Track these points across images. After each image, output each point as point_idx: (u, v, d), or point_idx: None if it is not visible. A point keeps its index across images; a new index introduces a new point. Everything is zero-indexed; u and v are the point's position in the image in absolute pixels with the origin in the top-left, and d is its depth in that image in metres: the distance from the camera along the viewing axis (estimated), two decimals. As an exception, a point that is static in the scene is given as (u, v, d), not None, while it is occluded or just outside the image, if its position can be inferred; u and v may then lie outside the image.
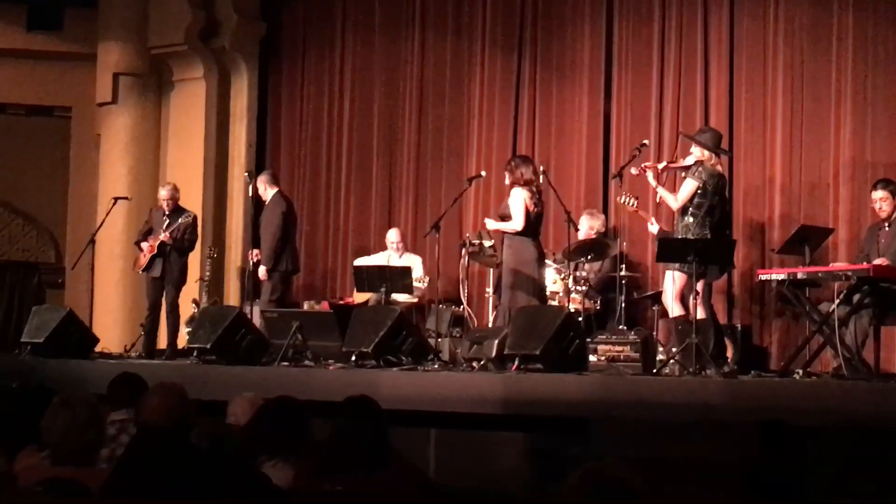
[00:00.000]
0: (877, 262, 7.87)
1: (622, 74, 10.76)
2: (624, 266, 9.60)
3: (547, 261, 9.40)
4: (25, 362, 9.33)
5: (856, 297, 7.65)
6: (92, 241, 10.77)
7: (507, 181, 9.08)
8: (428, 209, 11.56)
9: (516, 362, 7.72)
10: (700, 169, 8.20)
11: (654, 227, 8.99)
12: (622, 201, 8.95)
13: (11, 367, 9.12)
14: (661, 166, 8.61)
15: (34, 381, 8.28)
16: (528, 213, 8.81)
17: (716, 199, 8.21)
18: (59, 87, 13.32)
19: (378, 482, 4.20)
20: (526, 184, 8.89)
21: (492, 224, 9.26)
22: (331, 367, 8.43)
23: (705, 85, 10.27)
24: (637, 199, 8.91)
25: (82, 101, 13.17)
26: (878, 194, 8.31)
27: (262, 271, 10.38)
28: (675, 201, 8.25)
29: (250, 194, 10.75)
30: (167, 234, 10.25)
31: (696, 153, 8.30)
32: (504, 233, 9.00)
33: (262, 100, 12.89)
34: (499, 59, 11.44)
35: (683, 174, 8.42)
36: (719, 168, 8.37)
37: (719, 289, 9.64)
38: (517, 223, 8.83)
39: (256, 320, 9.73)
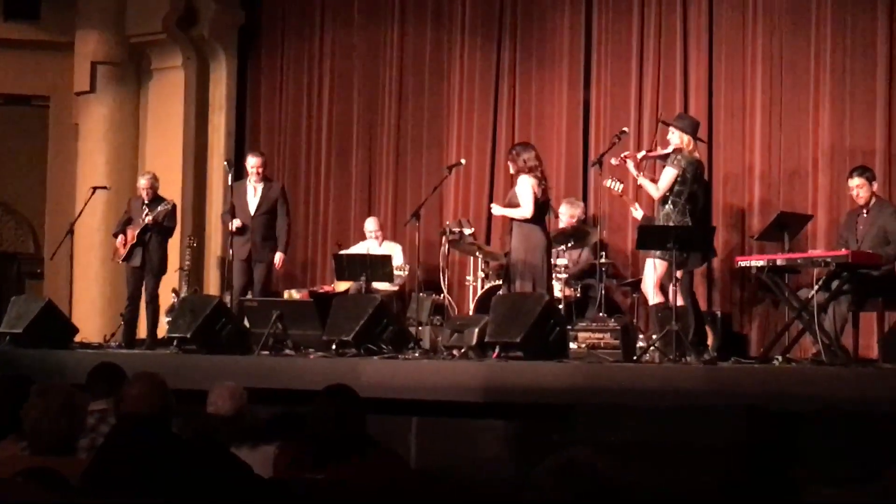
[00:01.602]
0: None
1: (601, 63, 10.77)
2: (604, 254, 9.61)
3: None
4: (4, 352, 9.28)
5: (834, 284, 7.68)
6: (71, 231, 10.72)
7: (512, 170, 8.95)
8: (408, 198, 11.56)
9: (497, 350, 7.72)
10: (679, 157, 8.21)
11: (638, 213, 8.98)
12: (608, 185, 8.92)
13: (-10, 358, 9.09)
14: (640, 156, 8.61)
15: (13, 371, 8.27)
16: (536, 199, 8.67)
17: (695, 187, 8.22)
18: (37, 76, 13.23)
19: (358, 470, 4.20)
20: (531, 170, 8.75)
21: (498, 210, 9.10)
22: (311, 356, 8.42)
23: (685, 73, 10.29)
24: (622, 183, 8.88)
25: (60, 90, 13.09)
26: (855, 181, 8.34)
27: (280, 258, 10.36)
28: (656, 190, 8.26)
29: (230, 183, 10.66)
30: (150, 217, 10.20)
31: (675, 141, 8.31)
32: (511, 220, 8.84)
33: (241, 88, 12.85)
34: (478, 48, 11.44)
35: (662, 163, 8.44)
36: (697, 155, 8.37)
37: (699, 275, 9.67)
38: (526, 210, 8.66)
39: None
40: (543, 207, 8.79)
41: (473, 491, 6.00)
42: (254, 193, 10.37)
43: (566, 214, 9.98)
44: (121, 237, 10.36)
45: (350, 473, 4.17)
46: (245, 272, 10.29)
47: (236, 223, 10.18)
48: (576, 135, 10.82)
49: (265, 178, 10.49)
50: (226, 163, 11.04)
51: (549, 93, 11.02)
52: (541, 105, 11.07)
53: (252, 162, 10.43)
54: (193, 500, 3.50)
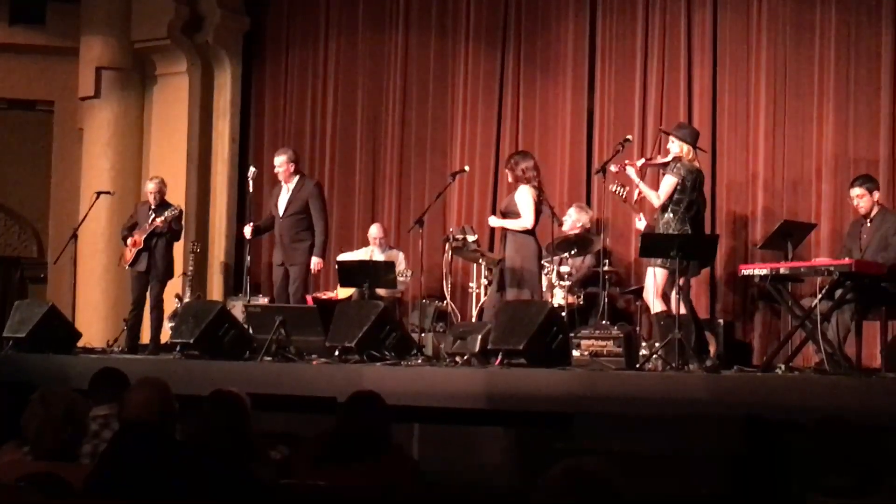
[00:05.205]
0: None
1: (605, 71, 10.77)
2: (607, 261, 9.60)
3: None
4: (7, 357, 9.29)
5: (838, 293, 7.68)
6: (74, 236, 10.73)
7: (510, 178, 9.01)
8: (412, 204, 11.56)
9: (500, 357, 7.73)
10: (679, 165, 8.22)
11: (641, 224, 8.98)
12: (613, 190, 8.92)
13: (-7, 363, 9.09)
14: (639, 163, 8.61)
15: (16, 376, 8.28)
16: (536, 209, 8.75)
17: (694, 195, 8.24)
18: (42, 81, 13.27)
19: (368, 473, 4.24)
20: (529, 180, 8.82)
21: (496, 221, 9.14)
22: (314, 363, 8.43)
23: (688, 81, 10.30)
24: (627, 188, 8.84)
25: (65, 95, 13.13)
26: (856, 191, 8.35)
27: (318, 262, 9.88)
28: (656, 198, 8.26)
29: (250, 188, 10.60)
30: (159, 221, 10.15)
31: (675, 150, 8.32)
32: (507, 229, 8.91)
33: (246, 94, 12.87)
34: (482, 55, 11.45)
35: (662, 171, 8.44)
36: (697, 164, 8.38)
37: (702, 284, 9.67)
38: (527, 220, 8.74)
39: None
40: (538, 217, 8.84)
41: (477, 497, 6.01)
42: (286, 193, 9.97)
43: (573, 219, 9.97)
44: (130, 240, 10.35)
45: (360, 477, 4.21)
46: (281, 275, 9.98)
47: (247, 230, 10.11)
48: (579, 143, 10.83)
49: (298, 173, 10.06)
50: (253, 169, 10.75)
51: (552, 101, 11.03)
52: (544, 113, 11.08)
53: (275, 162, 10.06)
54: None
